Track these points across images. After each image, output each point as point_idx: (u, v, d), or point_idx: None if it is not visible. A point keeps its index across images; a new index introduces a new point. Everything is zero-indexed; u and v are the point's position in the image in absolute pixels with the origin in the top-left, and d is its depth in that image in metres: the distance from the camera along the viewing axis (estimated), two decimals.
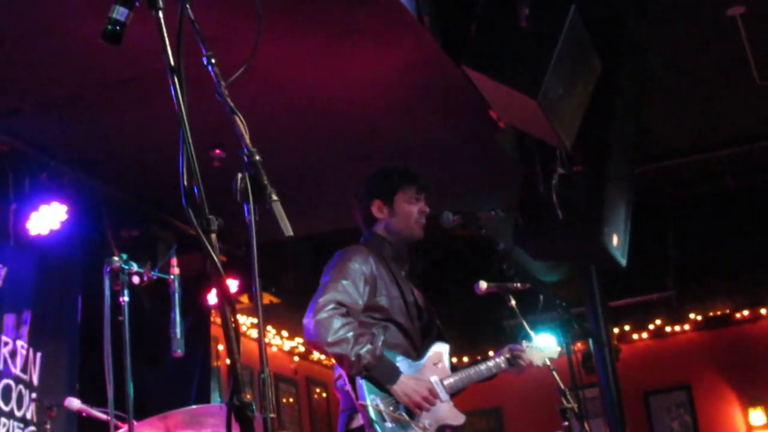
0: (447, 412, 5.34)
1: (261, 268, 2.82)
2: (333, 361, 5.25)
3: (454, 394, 5.44)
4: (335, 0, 6.25)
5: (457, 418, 5.38)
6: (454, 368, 5.55)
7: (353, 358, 5.05)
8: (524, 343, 5.66)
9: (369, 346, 5.09)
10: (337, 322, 5.09)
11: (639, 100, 7.69)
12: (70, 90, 7.04)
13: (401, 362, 5.28)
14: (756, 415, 13.59)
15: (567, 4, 6.29)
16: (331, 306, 5.15)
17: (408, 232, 5.64)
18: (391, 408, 5.10)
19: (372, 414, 5.03)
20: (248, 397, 2.54)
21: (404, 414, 5.13)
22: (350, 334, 5.08)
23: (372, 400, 5.06)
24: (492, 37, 6.28)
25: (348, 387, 5.15)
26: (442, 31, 6.86)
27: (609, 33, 7.15)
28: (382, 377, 5.13)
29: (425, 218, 5.67)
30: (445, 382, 5.38)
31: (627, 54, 7.39)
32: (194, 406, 5.96)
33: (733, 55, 7.96)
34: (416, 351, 5.47)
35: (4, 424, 7.42)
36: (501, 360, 5.61)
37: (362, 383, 5.08)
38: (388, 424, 5.04)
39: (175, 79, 2.75)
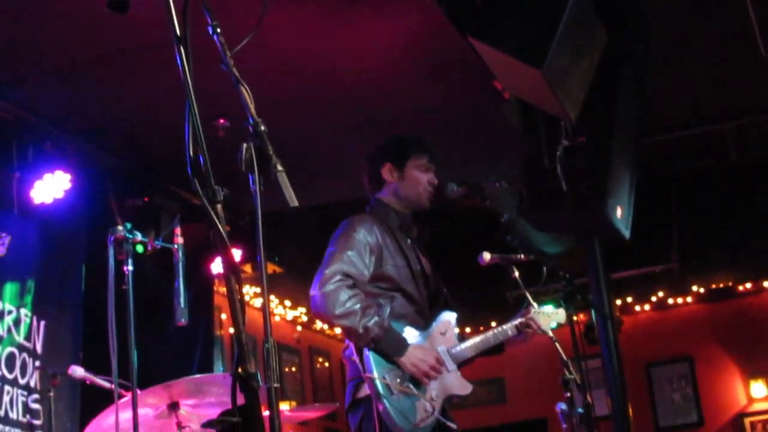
0: (454, 381, 5.36)
1: (265, 237, 2.83)
2: (340, 332, 5.26)
3: (462, 363, 5.45)
4: None
5: (464, 388, 5.40)
6: (461, 338, 5.56)
7: (361, 331, 5.07)
8: (531, 309, 5.67)
9: (376, 318, 5.11)
10: (344, 295, 5.10)
11: (644, 71, 7.66)
12: (75, 59, 7.03)
13: (408, 332, 5.29)
14: (757, 387, 13.65)
15: None
16: (338, 278, 5.15)
17: (416, 198, 5.65)
18: (398, 380, 5.11)
19: (379, 387, 5.05)
20: (253, 367, 2.54)
21: (411, 386, 5.14)
22: (357, 306, 5.09)
23: (379, 373, 5.08)
24: (498, 7, 6.25)
25: (355, 357, 5.16)
26: (447, 2, 6.83)
27: (614, 3, 7.12)
28: (390, 349, 5.14)
29: (433, 189, 5.68)
30: (452, 352, 5.40)
31: (632, 25, 7.36)
32: (198, 375, 5.99)
33: (738, 27, 7.93)
34: (423, 319, 5.48)
35: (8, 392, 7.45)
36: (509, 327, 5.61)
37: (369, 355, 5.10)
38: (395, 397, 5.06)
39: (181, 49, 2.74)
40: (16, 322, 7.64)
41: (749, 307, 13.93)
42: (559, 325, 5.73)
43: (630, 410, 10.10)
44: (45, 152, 7.77)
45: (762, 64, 8.25)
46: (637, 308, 14.41)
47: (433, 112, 8.34)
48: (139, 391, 4.99)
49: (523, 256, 5.59)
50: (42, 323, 7.91)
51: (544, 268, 5.57)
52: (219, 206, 2.63)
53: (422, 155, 5.69)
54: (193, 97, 2.69)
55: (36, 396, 7.63)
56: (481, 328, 5.67)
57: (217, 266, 9.58)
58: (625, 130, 7.29)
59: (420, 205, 5.68)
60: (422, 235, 5.80)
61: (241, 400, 2.54)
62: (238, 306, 2.59)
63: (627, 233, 7.29)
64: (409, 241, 5.63)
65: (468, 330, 11.38)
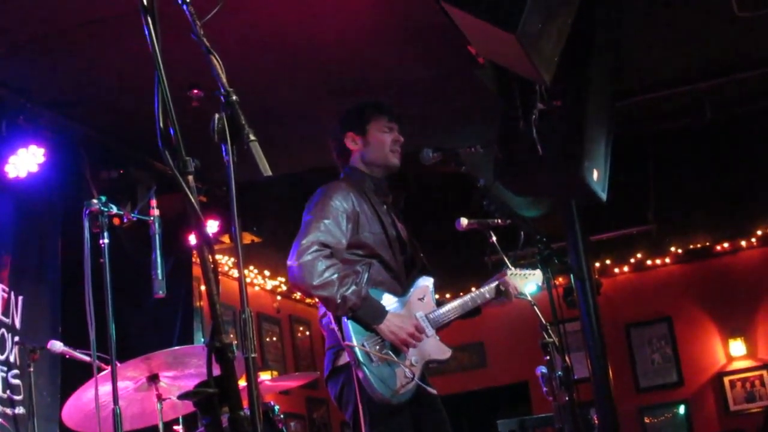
0: (433, 346, 5.36)
1: (242, 207, 2.83)
2: (318, 301, 5.26)
3: (440, 328, 5.46)
4: None
5: (443, 353, 5.41)
6: (439, 303, 5.56)
7: (339, 300, 5.06)
8: (508, 272, 5.68)
9: (354, 288, 5.11)
10: (321, 265, 5.10)
11: (618, 32, 7.65)
12: (45, 31, 6.97)
13: (386, 299, 5.29)
14: (736, 346, 13.73)
15: None
16: (315, 248, 5.14)
17: (383, 160, 5.63)
18: (377, 347, 5.11)
19: (359, 355, 5.05)
20: (230, 337, 2.54)
21: (390, 352, 5.14)
22: (335, 276, 5.09)
23: (358, 341, 5.08)
24: None
25: (334, 326, 5.16)
26: None
27: None
28: (368, 317, 5.14)
29: (400, 147, 5.66)
30: (431, 317, 5.40)
31: None
32: (177, 347, 5.99)
33: None
34: (401, 285, 5.48)
35: None
36: (486, 289, 5.62)
37: (348, 324, 5.10)
38: (375, 364, 5.06)
39: (149, 19, 2.71)
40: None
41: (727, 267, 14.00)
42: (540, 288, 5.74)
43: (610, 372, 10.16)
44: (18, 126, 7.72)
45: (736, 22, 8.24)
46: (616, 270, 14.46)
47: (407, 78, 8.32)
48: (118, 364, 4.99)
49: (500, 220, 5.59)
50: (20, 298, 7.87)
51: (522, 233, 5.57)
52: (190, 177, 2.62)
53: (381, 116, 5.68)
54: (161, 68, 2.67)
55: (16, 371, 7.61)
56: (461, 294, 5.66)
57: (194, 238, 9.55)
58: (600, 92, 7.28)
59: (389, 165, 5.66)
60: (397, 200, 5.78)
61: (217, 371, 2.54)
62: (211, 277, 2.59)
63: (604, 196, 7.30)
64: (384, 206, 5.62)
65: (448, 296, 11.40)
